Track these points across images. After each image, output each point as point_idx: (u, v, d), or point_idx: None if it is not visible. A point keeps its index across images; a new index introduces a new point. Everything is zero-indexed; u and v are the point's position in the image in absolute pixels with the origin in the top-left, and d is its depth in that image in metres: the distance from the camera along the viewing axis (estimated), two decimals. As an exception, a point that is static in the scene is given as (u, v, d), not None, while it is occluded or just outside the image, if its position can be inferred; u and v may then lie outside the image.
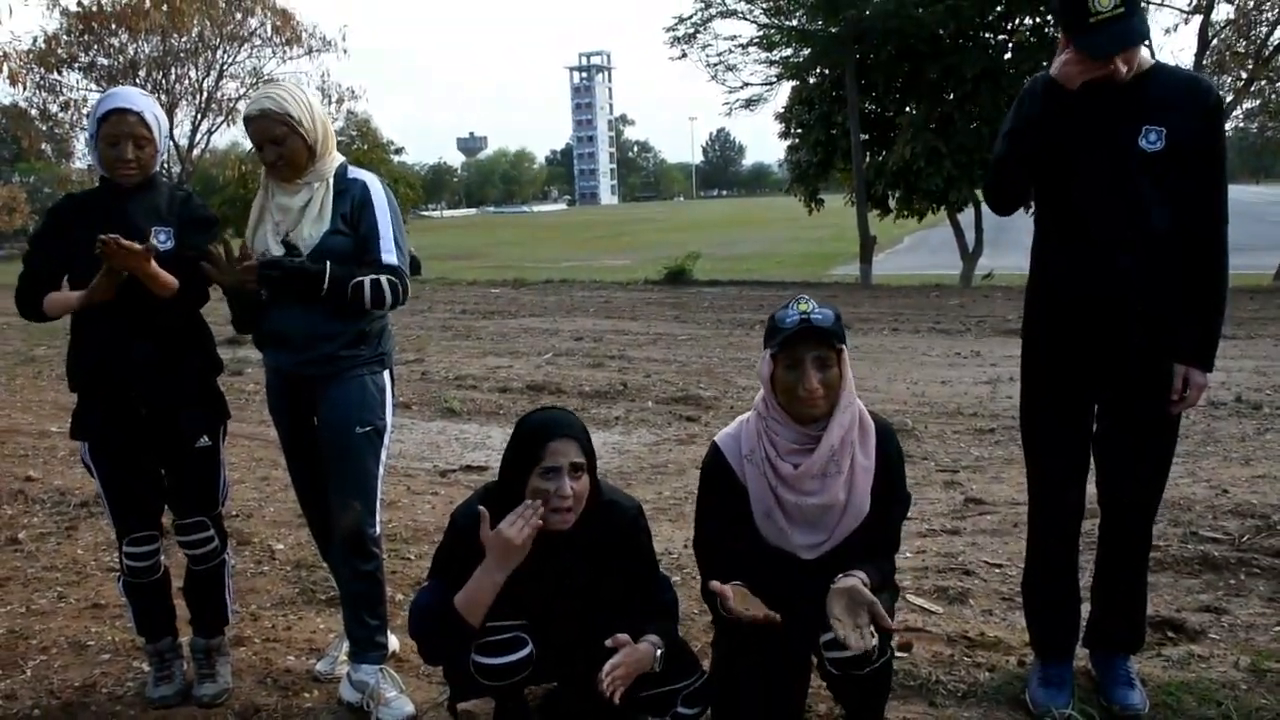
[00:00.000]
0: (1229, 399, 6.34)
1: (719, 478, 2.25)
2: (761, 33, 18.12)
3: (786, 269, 22.50)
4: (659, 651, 2.12)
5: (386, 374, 2.68)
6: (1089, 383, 2.43)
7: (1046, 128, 2.32)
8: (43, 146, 28.54)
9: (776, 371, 2.15)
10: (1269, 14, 16.87)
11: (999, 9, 16.19)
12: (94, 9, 22.26)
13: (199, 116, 24.40)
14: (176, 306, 2.54)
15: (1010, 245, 15.89)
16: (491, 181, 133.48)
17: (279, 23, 23.46)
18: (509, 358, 9.27)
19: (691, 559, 2.70)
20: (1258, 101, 19.61)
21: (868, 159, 17.62)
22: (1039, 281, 2.50)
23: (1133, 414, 2.41)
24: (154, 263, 2.42)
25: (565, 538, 2.14)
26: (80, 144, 27.37)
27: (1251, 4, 16.77)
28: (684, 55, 18.76)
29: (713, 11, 17.69)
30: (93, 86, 22.98)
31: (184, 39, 23.08)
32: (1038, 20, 16.02)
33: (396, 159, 37.60)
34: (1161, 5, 16.59)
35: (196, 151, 25.37)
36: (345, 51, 27.72)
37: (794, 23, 17.86)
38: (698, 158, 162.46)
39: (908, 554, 3.64)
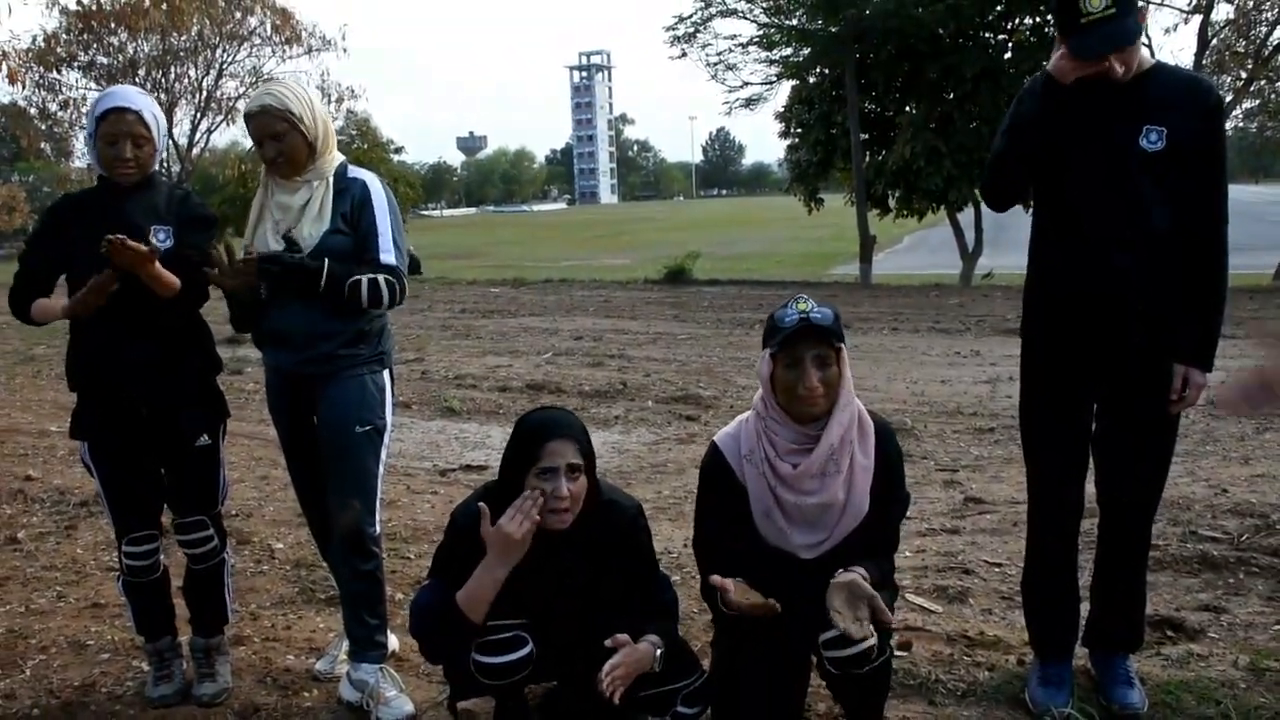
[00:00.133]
0: (1228, 398, 6.34)
1: (718, 477, 2.25)
2: (761, 32, 18.11)
3: (786, 268, 22.51)
4: (659, 651, 2.12)
5: (386, 373, 2.68)
6: (1088, 382, 2.44)
7: (1044, 125, 2.33)
8: (42, 145, 28.54)
9: (776, 371, 2.15)
10: (1268, 14, 16.89)
11: (999, 9, 16.19)
12: (93, 8, 22.29)
13: (198, 115, 24.45)
14: (176, 306, 2.54)
15: (1010, 245, 15.89)
16: (491, 181, 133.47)
17: (279, 22, 23.49)
18: (509, 357, 9.27)
19: (691, 558, 2.70)
20: (1257, 101, 19.62)
21: (867, 158, 17.62)
22: (1037, 281, 2.50)
23: (1132, 413, 2.42)
24: (157, 263, 2.42)
25: (565, 537, 2.14)
26: (79, 143, 27.38)
27: (1251, 4, 16.78)
28: (684, 54, 18.78)
29: (713, 11, 17.69)
30: (92, 85, 23.00)
31: (183, 38, 23.10)
32: (1037, 20, 16.02)
33: (396, 158, 37.63)
34: (1161, 5, 16.61)
35: (196, 151, 25.39)
36: (345, 51, 27.75)
37: (794, 22, 17.86)
38: (698, 157, 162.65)
39: (907, 553, 3.64)
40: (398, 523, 4.19)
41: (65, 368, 2.62)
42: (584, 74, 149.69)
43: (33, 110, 24.30)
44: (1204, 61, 16.26)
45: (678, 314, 12.56)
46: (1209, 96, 2.33)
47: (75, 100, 23.11)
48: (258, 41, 23.86)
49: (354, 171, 2.64)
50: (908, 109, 17.28)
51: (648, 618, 2.20)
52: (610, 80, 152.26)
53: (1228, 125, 2.50)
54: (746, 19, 17.88)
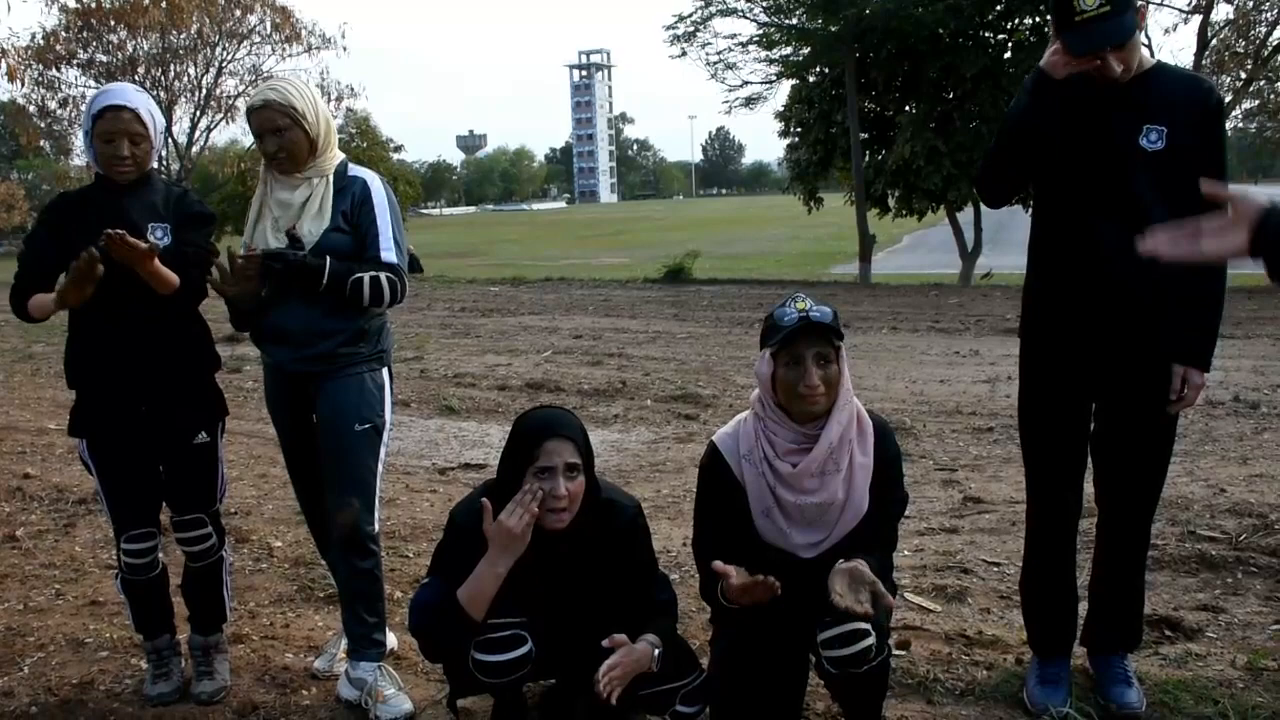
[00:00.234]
0: (1227, 398, 6.35)
1: (717, 477, 2.25)
2: (761, 31, 18.11)
3: (786, 268, 22.52)
4: (657, 651, 2.12)
5: (385, 371, 2.68)
6: (1087, 382, 2.44)
7: (1034, 120, 2.33)
8: (41, 143, 28.53)
9: (777, 370, 2.15)
10: (1268, 14, 16.90)
11: (998, 8, 16.19)
12: (93, 5, 22.27)
13: (198, 114, 24.43)
14: (174, 303, 2.53)
15: (1009, 244, 15.90)
16: (491, 179, 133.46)
17: (278, 20, 23.48)
18: (508, 356, 9.27)
19: (690, 557, 2.70)
20: (1256, 102, 19.61)
21: (867, 158, 17.63)
22: (1037, 280, 2.50)
23: (1130, 413, 2.42)
24: (156, 260, 2.42)
25: (564, 536, 2.14)
26: (79, 141, 27.31)
27: (1250, 4, 16.78)
28: (684, 54, 18.77)
29: (712, 10, 17.68)
30: (91, 83, 22.98)
31: (183, 36, 23.09)
32: (1037, 19, 16.01)
33: (396, 157, 37.61)
34: (1161, 5, 16.61)
35: (195, 149, 25.37)
36: (345, 49, 27.73)
37: (794, 21, 17.85)
38: (697, 156, 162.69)
39: (906, 552, 3.65)
40: (397, 521, 4.20)
41: (64, 365, 2.62)
42: (584, 73, 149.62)
43: (32, 108, 24.29)
44: (1203, 62, 16.26)
45: (677, 313, 12.57)
46: (1209, 96, 2.33)
47: (74, 98, 23.11)
48: (257, 39, 23.87)
49: (354, 170, 2.64)
50: (907, 108, 17.30)
51: (647, 617, 2.20)
52: (610, 79, 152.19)
53: (1227, 126, 2.50)
54: (746, 18, 17.89)
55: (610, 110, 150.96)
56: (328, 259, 2.48)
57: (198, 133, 24.81)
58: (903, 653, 2.78)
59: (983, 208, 15.98)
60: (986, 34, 16.66)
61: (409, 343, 9.86)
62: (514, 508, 2.07)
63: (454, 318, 12.66)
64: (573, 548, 2.17)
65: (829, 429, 2.15)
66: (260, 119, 2.50)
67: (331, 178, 2.58)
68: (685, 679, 2.19)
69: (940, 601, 3.22)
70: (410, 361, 8.75)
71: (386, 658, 2.73)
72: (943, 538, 3.91)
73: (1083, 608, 2.62)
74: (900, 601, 3.08)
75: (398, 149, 38.01)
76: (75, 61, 23.12)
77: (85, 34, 22.84)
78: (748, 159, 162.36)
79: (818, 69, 18.36)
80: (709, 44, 19.32)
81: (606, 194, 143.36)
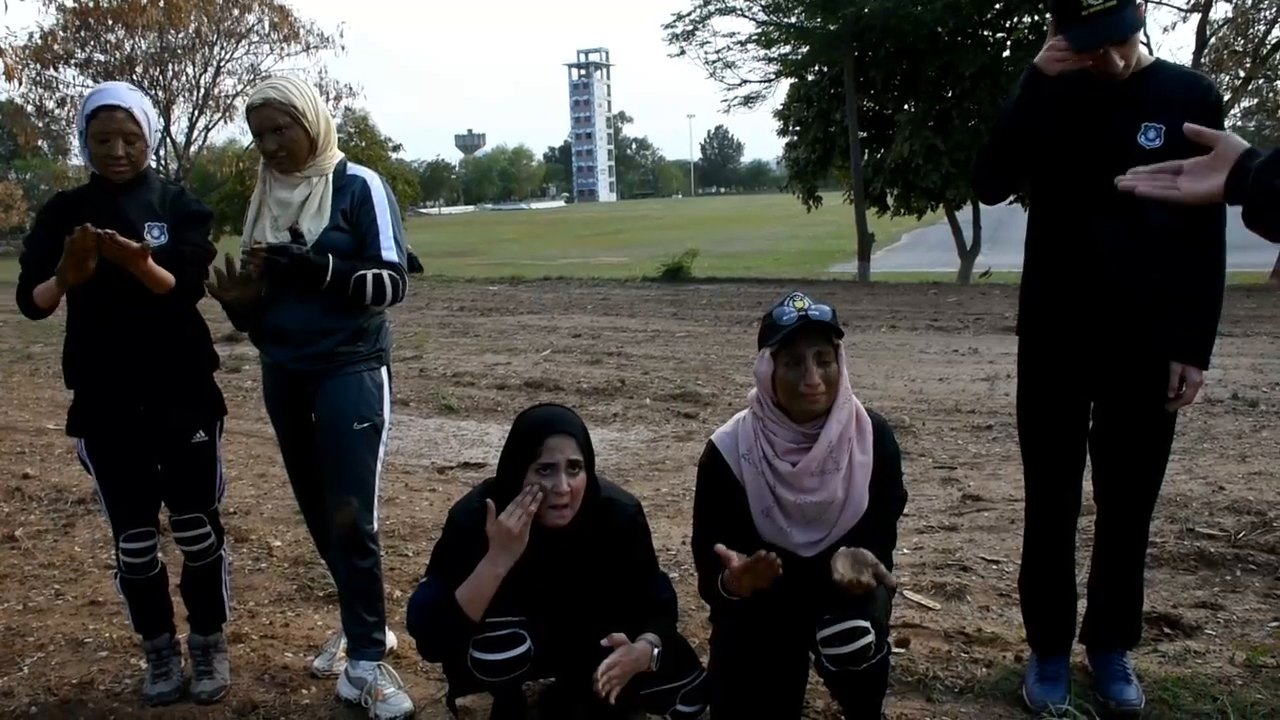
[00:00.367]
0: (1225, 396, 6.36)
1: (716, 476, 2.25)
2: (760, 30, 18.10)
3: (785, 266, 22.51)
4: (656, 651, 2.12)
5: (384, 370, 2.68)
6: (1085, 380, 2.44)
7: (1029, 115, 2.32)
8: (39, 143, 28.51)
9: (776, 369, 2.15)
10: (1267, 12, 16.89)
11: (997, 7, 16.19)
12: (90, 5, 22.22)
13: (196, 113, 24.38)
14: (171, 302, 2.53)
15: (1008, 243, 15.89)
16: (489, 179, 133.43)
17: (276, 19, 23.45)
18: (507, 355, 9.27)
19: (690, 556, 2.70)
20: (1255, 100, 19.63)
21: (866, 156, 17.63)
22: (1035, 278, 2.50)
23: (1129, 411, 2.42)
24: (150, 259, 2.42)
25: (565, 534, 2.14)
26: (77, 140, 27.33)
27: (1250, 2, 16.78)
28: (682, 52, 18.76)
29: (711, 8, 17.66)
30: (89, 83, 22.93)
31: (181, 35, 23.05)
32: (1036, 18, 16.01)
33: (394, 156, 37.56)
34: (1160, 3, 16.61)
35: (194, 148, 25.33)
36: (343, 48, 27.74)
37: (792, 20, 17.85)
38: (696, 155, 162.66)
39: (905, 550, 3.65)
40: (396, 520, 4.20)
41: (62, 365, 2.62)
42: (582, 72, 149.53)
43: (30, 107, 24.28)
44: (1202, 60, 16.25)
45: (676, 312, 12.57)
46: (1209, 94, 2.33)
47: (72, 98, 23.07)
48: (255, 39, 23.84)
49: (354, 169, 2.64)
50: (906, 107, 17.29)
51: (646, 616, 2.20)
52: (609, 78, 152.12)
53: (1226, 124, 2.50)
54: (745, 17, 17.89)
55: (609, 109, 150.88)
56: (330, 258, 2.48)
57: (196, 132, 24.79)
58: (902, 650, 2.78)
59: (981, 206, 15.97)
60: (985, 32, 16.66)
61: (408, 342, 9.86)
62: (514, 508, 2.08)
63: (453, 317, 12.66)
64: (573, 546, 2.17)
65: (828, 428, 2.14)
66: (260, 117, 2.50)
67: (331, 177, 2.57)
68: (685, 678, 2.18)
69: (939, 599, 3.22)
70: (409, 360, 8.75)
71: (386, 657, 2.73)
72: (942, 535, 3.91)
73: (1082, 605, 2.62)
74: (899, 599, 3.08)
75: (396, 148, 37.96)
76: (73, 61, 23.10)
77: (83, 33, 22.82)
78: (746, 158, 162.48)
79: (816, 67, 18.35)
80: (708, 43, 19.37)
81: (605, 193, 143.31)
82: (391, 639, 2.84)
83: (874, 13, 15.73)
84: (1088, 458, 2.51)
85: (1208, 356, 2.37)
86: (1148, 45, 15.60)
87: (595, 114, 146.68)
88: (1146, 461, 2.44)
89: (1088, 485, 2.53)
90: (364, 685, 2.59)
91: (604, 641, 2.08)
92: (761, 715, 2.26)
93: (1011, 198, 2.64)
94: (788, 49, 18.54)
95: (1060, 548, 2.55)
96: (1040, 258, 2.48)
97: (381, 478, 2.70)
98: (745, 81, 19.27)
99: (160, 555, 2.73)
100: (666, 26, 18.19)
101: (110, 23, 22.52)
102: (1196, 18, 16.19)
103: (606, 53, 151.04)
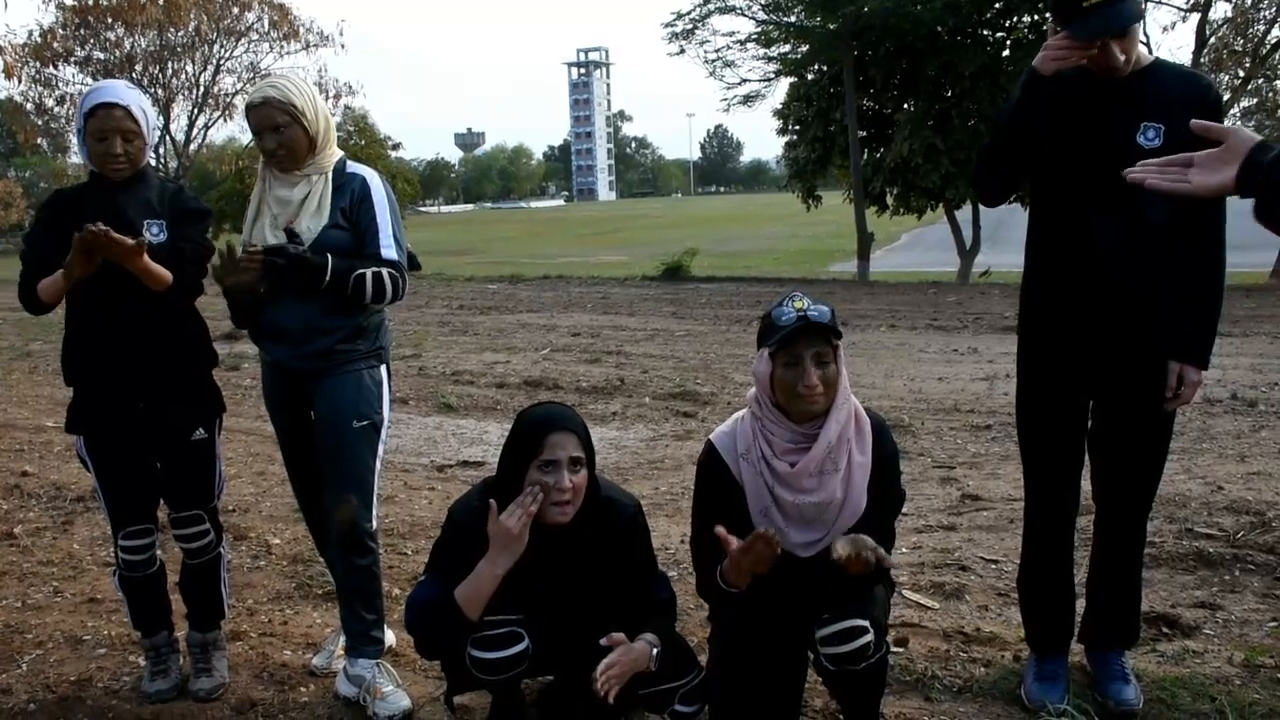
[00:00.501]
0: (1224, 396, 6.36)
1: (715, 476, 2.25)
2: (760, 29, 18.10)
3: (784, 265, 22.51)
4: (655, 650, 2.12)
5: (383, 368, 2.68)
6: (1084, 379, 2.44)
7: (1028, 115, 2.32)
8: (39, 141, 28.48)
9: (775, 370, 2.15)
10: (1266, 12, 16.88)
11: (997, 6, 16.18)
12: (90, 3, 22.20)
13: (195, 111, 24.37)
14: (170, 300, 2.53)
15: (1008, 242, 15.90)
16: (489, 177, 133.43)
17: (276, 17, 23.43)
18: (506, 353, 9.27)
19: (688, 554, 2.70)
20: (1255, 100, 19.62)
21: (865, 156, 17.63)
22: (1034, 278, 2.50)
23: (1128, 410, 2.42)
24: (146, 256, 2.42)
25: (564, 533, 2.14)
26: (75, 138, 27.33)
27: (1249, 2, 16.78)
28: (682, 51, 18.75)
29: (711, 7, 17.66)
30: (88, 81, 22.91)
31: (180, 33, 23.03)
32: (1035, 17, 16.01)
33: (394, 155, 37.56)
34: (1160, 3, 16.62)
35: (194, 147, 25.31)
36: (343, 46, 27.73)
37: (792, 19, 17.84)
38: (695, 154, 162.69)
39: (904, 549, 3.65)
40: (395, 518, 4.20)
41: (61, 362, 2.62)
42: (582, 70, 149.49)
43: (29, 105, 24.24)
44: (1201, 60, 16.25)
45: (675, 311, 12.56)
46: (1208, 93, 2.33)
47: (71, 96, 23.04)
48: (255, 37, 23.83)
49: (353, 167, 2.63)
50: (906, 106, 17.29)
51: (646, 616, 2.20)
52: (608, 77, 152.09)
53: (1225, 124, 2.49)
54: (745, 16, 17.88)
55: (609, 108, 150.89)
56: (329, 257, 2.47)
57: (196, 130, 24.77)
58: (901, 650, 2.78)
59: (981, 206, 15.98)
60: (985, 32, 16.66)
61: (407, 340, 9.85)
62: (514, 509, 2.08)
63: (452, 315, 12.65)
64: (572, 545, 2.17)
65: (827, 428, 2.14)
66: (259, 116, 2.49)
67: (330, 175, 2.57)
68: (684, 678, 2.18)
69: (938, 599, 3.23)
70: (409, 359, 8.74)
71: (385, 655, 2.73)
72: (941, 535, 3.91)
73: (1080, 605, 2.62)
74: (898, 598, 3.08)
75: (395, 147, 37.96)
76: (72, 59, 23.08)
77: (82, 31, 22.80)
78: (746, 157, 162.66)
79: (816, 67, 18.35)
80: (707, 42, 19.32)
81: (605, 192, 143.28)
82: (390, 637, 2.84)
83: (874, 12, 15.72)
84: (1086, 457, 2.51)
85: (1208, 355, 2.38)
86: (1147, 45, 15.61)
87: (595, 113, 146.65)
88: (1145, 461, 2.44)
89: (1087, 485, 2.53)
90: (362, 683, 2.59)
91: (603, 641, 2.08)
92: (760, 715, 2.26)
93: (1011, 197, 2.64)
94: (787, 48, 18.54)
95: (1059, 547, 2.55)
96: (1040, 257, 2.48)
97: (381, 476, 2.70)
98: (745, 80, 19.30)
99: (159, 553, 2.73)
100: (666, 25, 18.20)
101: (110, 20, 22.51)
102: (1196, 17, 16.20)
103: (606, 52, 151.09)
